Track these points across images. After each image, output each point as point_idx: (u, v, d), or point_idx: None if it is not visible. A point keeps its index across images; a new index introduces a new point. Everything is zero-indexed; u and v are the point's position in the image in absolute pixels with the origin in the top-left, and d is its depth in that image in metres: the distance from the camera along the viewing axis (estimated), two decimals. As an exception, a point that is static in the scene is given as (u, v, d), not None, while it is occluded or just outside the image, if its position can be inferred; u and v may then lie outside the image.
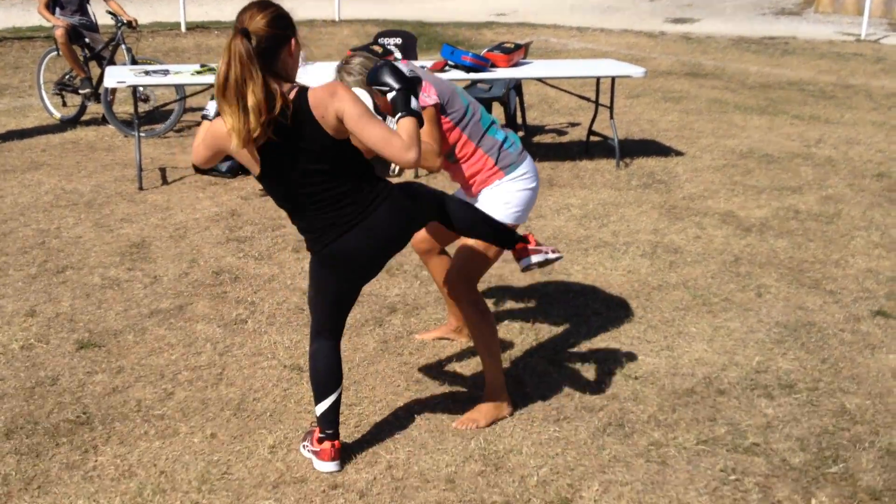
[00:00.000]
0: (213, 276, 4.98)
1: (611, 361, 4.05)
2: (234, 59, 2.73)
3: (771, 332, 4.37)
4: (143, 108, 8.11)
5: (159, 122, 8.18)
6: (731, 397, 3.77)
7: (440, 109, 3.42)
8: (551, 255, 3.29)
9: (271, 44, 2.82)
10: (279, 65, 2.86)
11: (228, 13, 16.15)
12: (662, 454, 3.36)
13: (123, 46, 7.92)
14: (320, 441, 3.19)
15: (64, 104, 8.59)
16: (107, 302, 4.64)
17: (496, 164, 3.48)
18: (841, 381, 3.91)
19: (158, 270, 5.04)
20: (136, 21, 8.07)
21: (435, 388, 3.82)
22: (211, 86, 7.64)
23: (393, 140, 2.82)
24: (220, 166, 6.87)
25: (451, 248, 3.88)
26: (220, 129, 2.88)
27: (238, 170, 6.91)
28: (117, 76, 6.65)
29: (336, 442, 3.18)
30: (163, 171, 7.03)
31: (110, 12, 8.13)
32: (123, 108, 8.71)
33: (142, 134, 7.88)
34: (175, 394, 3.73)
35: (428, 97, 3.37)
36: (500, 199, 3.49)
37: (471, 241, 3.46)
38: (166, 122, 8.08)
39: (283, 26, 2.85)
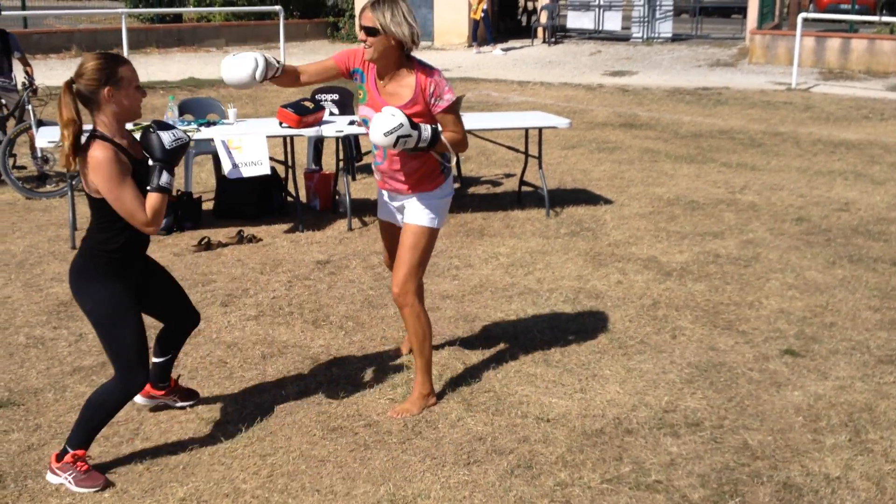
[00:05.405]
0: (138, 332, 5.01)
1: (525, 405, 4.15)
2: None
3: (682, 372, 4.51)
4: (45, 168, 8.35)
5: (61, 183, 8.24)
6: (639, 437, 3.88)
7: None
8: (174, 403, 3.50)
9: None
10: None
11: (174, 73, 16.30)
12: (567, 494, 3.45)
13: (29, 108, 8.04)
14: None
15: None
16: (29, 361, 4.65)
17: (441, 171, 4.03)
18: (745, 419, 4.05)
19: (84, 328, 5.06)
20: (38, 87, 8.38)
21: (350, 436, 3.88)
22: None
23: (137, 215, 3.32)
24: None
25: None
26: None
27: (173, 227, 6.98)
28: (49, 135, 6.70)
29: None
30: (97, 229, 7.05)
31: (26, 71, 8.39)
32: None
33: (43, 194, 7.99)
34: (90, 450, 3.75)
35: (451, 94, 3.87)
36: (431, 210, 4.04)
37: (406, 244, 3.99)
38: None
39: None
